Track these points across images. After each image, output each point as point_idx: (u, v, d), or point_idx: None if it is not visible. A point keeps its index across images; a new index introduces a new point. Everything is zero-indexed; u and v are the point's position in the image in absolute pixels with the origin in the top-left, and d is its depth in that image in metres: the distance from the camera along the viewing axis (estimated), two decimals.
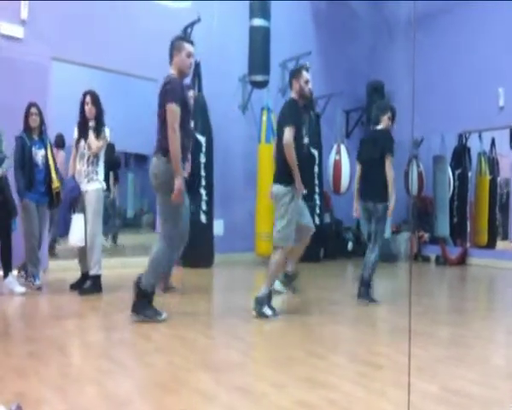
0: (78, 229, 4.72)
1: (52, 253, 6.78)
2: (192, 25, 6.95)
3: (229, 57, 7.52)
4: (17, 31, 5.78)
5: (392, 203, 4.58)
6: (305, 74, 4.21)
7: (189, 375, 2.60)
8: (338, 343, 3.37)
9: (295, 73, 4.26)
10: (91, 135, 4.75)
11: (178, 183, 3.62)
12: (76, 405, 2.20)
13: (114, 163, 8.49)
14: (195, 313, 4.14)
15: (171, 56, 3.91)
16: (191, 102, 4.46)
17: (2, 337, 3.27)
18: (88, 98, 4.82)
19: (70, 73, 6.53)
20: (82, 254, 4.86)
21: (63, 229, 5.10)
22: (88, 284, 4.79)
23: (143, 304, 3.72)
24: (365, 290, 4.59)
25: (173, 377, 2.60)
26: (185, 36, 4.01)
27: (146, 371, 2.70)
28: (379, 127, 4.86)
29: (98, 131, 4.79)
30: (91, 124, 4.79)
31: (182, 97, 3.80)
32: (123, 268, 6.44)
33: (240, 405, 2.22)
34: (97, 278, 4.80)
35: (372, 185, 4.68)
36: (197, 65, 6.92)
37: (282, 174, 4.07)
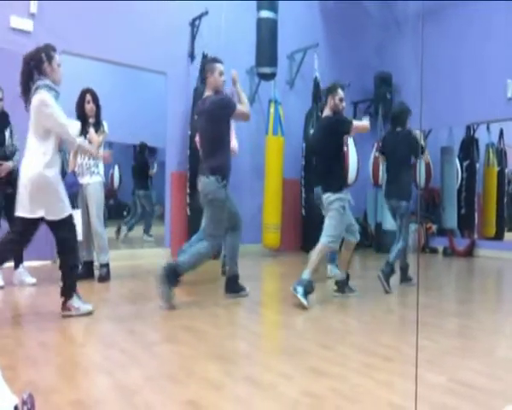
0: (78, 224, 4.86)
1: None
2: (200, 17, 6.96)
3: (237, 49, 7.50)
4: (27, 24, 5.81)
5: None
6: (341, 92, 4.45)
7: (198, 365, 2.63)
8: (345, 334, 3.38)
9: (331, 90, 4.47)
10: (92, 131, 4.89)
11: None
12: (86, 394, 2.23)
13: (146, 164, 8.57)
14: (203, 303, 4.18)
15: (205, 78, 4.24)
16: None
17: (13, 327, 3.31)
18: (88, 97, 5.02)
19: (79, 66, 6.55)
20: (83, 245, 4.99)
21: None
22: (104, 272, 4.97)
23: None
24: (386, 272, 4.88)
25: (182, 367, 2.63)
26: (215, 57, 4.33)
27: (155, 361, 2.73)
28: (399, 129, 5.13)
29: (97, 126, 4.97)
30: (91, 120, 4.98)
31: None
32: (133, 260, 6.49)
33: (247, 395, 2.25)
34: (107, 266, 4.96)
35: (396, 185, 5.02)
36: (204, 57, 6.92)
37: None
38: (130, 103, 7.55)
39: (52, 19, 5.98)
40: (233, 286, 4.42)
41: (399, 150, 5.02)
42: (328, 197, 4.39)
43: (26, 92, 3.46)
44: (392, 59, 9.17)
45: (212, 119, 4.11)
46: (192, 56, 7.20)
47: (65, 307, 3.57)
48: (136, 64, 6.75)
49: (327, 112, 4.51)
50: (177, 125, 7.13)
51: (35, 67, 3.44)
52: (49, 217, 3.47)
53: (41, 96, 3.39)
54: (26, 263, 4.86)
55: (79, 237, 4.85)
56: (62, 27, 6.04)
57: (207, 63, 4.31)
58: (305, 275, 4.15)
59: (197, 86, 6.97)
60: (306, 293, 4.06)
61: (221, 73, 4.19)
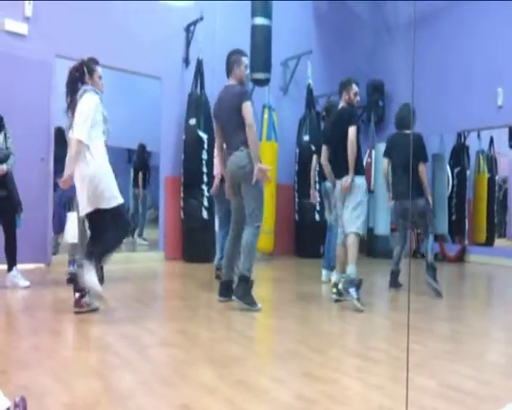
0: (73, 226, 4.84)
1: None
2: (195, 23, 7.00)
3: None
4: (21, 28, 5.81)
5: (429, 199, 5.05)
6: (355, 87, 4.54)
7: (191, 369, 2.65)
8: (337, 338, 3.41)
9: (346, 85, 4.56)
10: None
11: (259, 167, 4.04)
12: (79, 398, 2.23)
13: (144, 164, 8.61)
14: (197, 307, 4.19)
15: (232, 69, 4.35)
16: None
17: (6, 330, 3.31)
18: None
19: None
20: (74, 249, 4.95)
21: (58, 226, 5.35)
22: (99, 276, 4.91)
23: (245, 290, 4.08)
24: (432, 274, 4.89)
25: (175, 370, 2.64)
26: (241, 50, 4.51)
27: (148, 364, 2.74)
28: (408, 131, 5.17)
29: None
30: None
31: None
32: (126, 263, 6.48)
33: (240, 399, 2.26)
34: (100, 269, 4.94)
35: (409, 184, 5.01)
36: (199, 63, 6.96)
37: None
38: (124, 108, 7.58)
39: (47, 23, 5.99)
40: (231, 291, 4.32)
41: (408, 152, 5.00)
42: (354, 180, 4.39)
43: (72, 97, 3.75)
44: (385, 66, 9.24)
45: (237, 106, 4.19)
46: (187, 62, 7.23)
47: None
48: (131, 69, 6.77)
49: (342, 104, 4.59)
50: (171, 130, 7.15)
51: (79, 78, 3.76)
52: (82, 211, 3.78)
53: (89, 97, 3.70)
54: (20, 266, 4.84)
55: (74, 239, 4.84)
56: (57, 31, 6.06)
57: (234, 54, 4.42)
58: (351, 271, 4.23)
59: (192, 91, 7.00)
60: (358, 290, 4.18)
61: (246, 67, 4.42)
